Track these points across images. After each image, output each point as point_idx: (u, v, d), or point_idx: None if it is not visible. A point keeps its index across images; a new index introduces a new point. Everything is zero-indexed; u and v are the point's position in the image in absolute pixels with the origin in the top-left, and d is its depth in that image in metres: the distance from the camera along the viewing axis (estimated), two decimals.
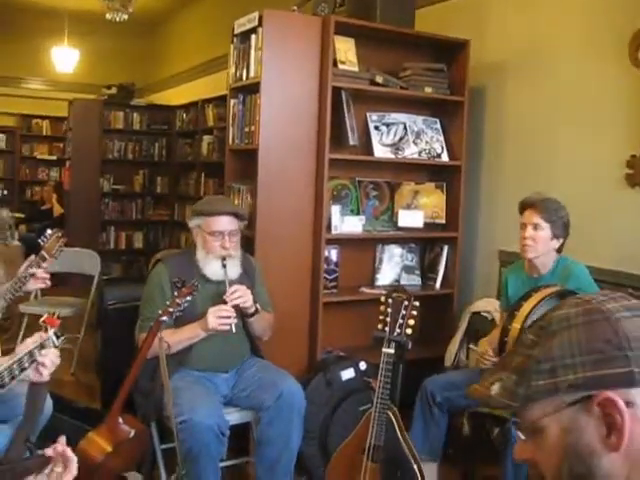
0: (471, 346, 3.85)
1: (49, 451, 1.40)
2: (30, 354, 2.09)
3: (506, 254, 4.29)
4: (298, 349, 4.05)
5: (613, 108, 3.75)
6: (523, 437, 1.04)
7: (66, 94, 9.51)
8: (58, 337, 2.19)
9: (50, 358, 2.13)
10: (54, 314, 2.22)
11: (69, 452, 1.43)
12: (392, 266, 4.54)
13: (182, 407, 2.99)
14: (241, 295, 3.18)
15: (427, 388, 3.42)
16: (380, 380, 2.70)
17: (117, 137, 8.81)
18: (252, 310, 3.29)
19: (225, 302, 3.14)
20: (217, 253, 3.25)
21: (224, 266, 3.23)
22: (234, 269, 3.30)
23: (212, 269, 3.27)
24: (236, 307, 3.17)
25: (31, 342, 2.14)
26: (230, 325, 3.12)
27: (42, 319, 2.20)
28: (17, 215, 9.20)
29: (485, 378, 1.08)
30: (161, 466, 3.33)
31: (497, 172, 4.56)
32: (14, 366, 2.08)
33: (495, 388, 1.05)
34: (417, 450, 3.12)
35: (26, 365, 2.10)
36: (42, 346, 2.12)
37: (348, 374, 3.81)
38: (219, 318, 3.09)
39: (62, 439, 1.43)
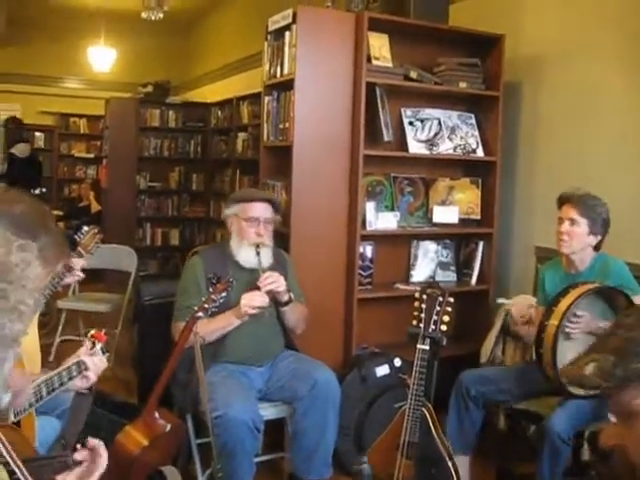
0: (502, 300, 3.74)
1: (78, 455, 1.42)
2: (78, 365, 2.21)
3: (543, 250, 4.25)
4: (333, 345, 4.05)
5: None
6: (614, 419, 1.02)
7: (103, 93, 9.62)
8: (104, 353, 2.28)
9: (94, 362, 2.25)
10: (102, 330, 2.32)
11: (101, 449, 1.45)
12: (427, 262, 4.52)
13: (217, 402, 3.02)
14: (274, 280, 3.22)
15: (462, 382, 3.41)
16: (415, 376, 2.69)
17: (153, 135, 8.88)
18: (285, 298, 3.33)
19: (259, 288, 3.17)
20: (252, 240, 3.32)
21: (258, 253, 3.28)
22: (267, 258, 3.36)
23: (246, 256, 3.33)
24: (269, 293, 3.20)
25: (76, 355, 2.27)
26: (263, 310, 3.17)
27: (90, 333, 2.30)
28: (56, 212, 9.33)
29: (579, 359, 1.07)
30: (197, 460, 3.37)
31: (533, 167, 4.52)
32: (63, 374, 2.19)
33: (590, 368, 1.04)
34: (452, 443, 3.11)
35: (74, 374, 2.21)
36: (85, 364, 2.25)
37: (383, 370, 3.81)
38: (252, 303, 3.14)
39: (91, 441, 1.45)
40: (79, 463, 1.40)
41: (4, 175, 8.22)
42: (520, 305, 3.24)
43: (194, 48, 10.74)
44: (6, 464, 1.10)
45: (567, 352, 3.06)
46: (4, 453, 1.11)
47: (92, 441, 1.46)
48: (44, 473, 1.26)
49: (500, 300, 3.77)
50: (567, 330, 3.03)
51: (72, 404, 2.38)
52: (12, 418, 1.27)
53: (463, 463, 3.39)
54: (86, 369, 2.22)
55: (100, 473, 1.43)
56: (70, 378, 2.20)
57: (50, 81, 10.74)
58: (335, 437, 3.37)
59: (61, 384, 2.17)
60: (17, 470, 1.11)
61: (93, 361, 2.26)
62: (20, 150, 7.61)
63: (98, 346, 2.27)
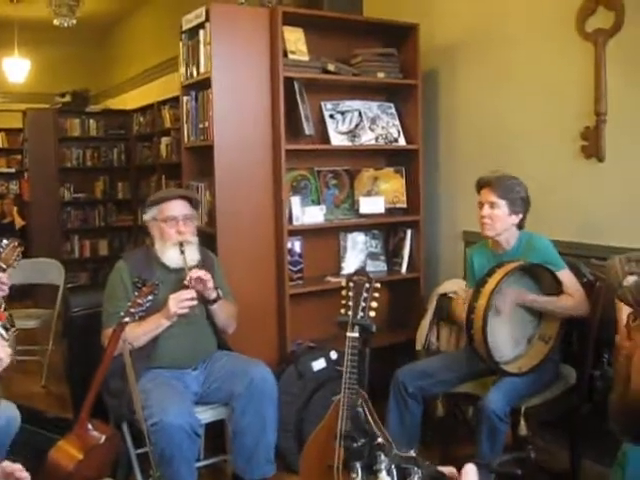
0: (434, 341, 3.81)
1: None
2: None
3: (470, 234, 4.31)
4: (268, 342, 4.03)
5: (564, 82, 3.77)
6: (636, 327, 1.03)
7: (20, 105, 9.38)
8: (7, 329, 2.12)
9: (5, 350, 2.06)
10: (0, 307, 2.14)
11: (20, 472, 1.39)
12: (357, 253, 4.54)
13: (152, 409, 2.97)
14: (201, 277, 3.18)
15: (399, 379, 3.40)
16: (346, 364, 2.70)
17: (75, 145, 8.72)
18: (214, 295, 3.31)
19: (186, 287, 3.14)
20: (174, 239, 3.29)
21: (182, 252, 3.25)
22: (193, 254, 3.33)
23: (170, 256, 3.30)
24: (197, 291, 3.17)
25: None
26: (192, 308, 3.14)
27: None
28: None
29: (627, 260, 1.08)
30: (137, 470, 3.31)
31: (455, 153, 4.58)
32: None
33: (630, 279, 1.05)
34: (394, 441, 3.12)
35: None
36: None
37: (319, 364, 3.81)
38: (180, 302, 3.10)
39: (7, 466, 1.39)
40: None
41: None
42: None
43: (111, 55, 10.57)
44: None
45: (497, 330, 3.11)
46: None
47: (9, 466, 1.40)
48: None
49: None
50: (496, 302, 3.07)
51: None
52: None
53: None
54: None
55: None
56: None
57: None
58: (275, 434, 3.35)
59: None
60: None
61: None
62: None
63: None
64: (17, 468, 1.39)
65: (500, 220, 3.28)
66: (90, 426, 2.75)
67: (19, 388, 4.96)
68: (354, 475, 1.06)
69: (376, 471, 1.05)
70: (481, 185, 3.37)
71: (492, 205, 3.27)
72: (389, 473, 1.05)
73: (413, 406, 3.38)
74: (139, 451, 3.31)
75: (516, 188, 3.29)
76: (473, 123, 4.41)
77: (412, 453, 1.13)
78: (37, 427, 3.25)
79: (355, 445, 1.05)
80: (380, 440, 1.06)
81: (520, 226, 3.36)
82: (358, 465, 1.06)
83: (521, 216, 3.32)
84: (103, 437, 2.76)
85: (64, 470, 2.60)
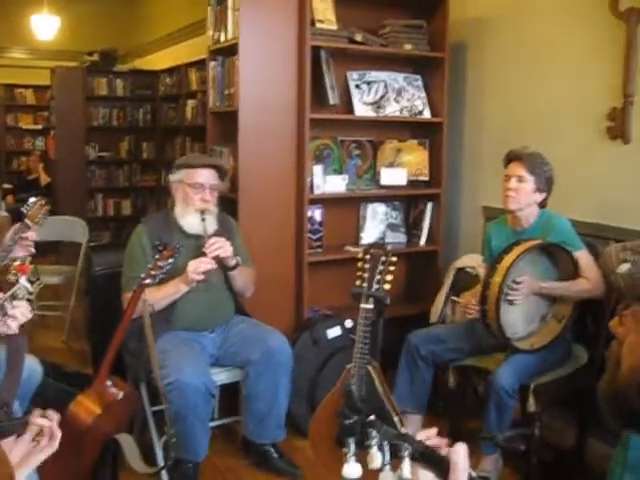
0: (454, 297, 3.87)
1: (36, 419, 1.40)
2: (1, 307, 2.02)
3: (490, 210, 4.31)
4: (284, 309, 4.09)
5: (593, 61, 3.74)
6: (628, 314, 1.07)
7: (48, 62, 9.41)
8: (32, 283, 2.13)
9: (21, 311, 2.06)
10: (24, 261, 2.15)
11: (55, 428, 1.44)
12: (376, 224, 4.56)
13: (169, 368, 3.04)
14: (220, 246, 3.24)
15: (411, 341, 3.47)
16: (359, 335, 2.74)
17: (101, 104, 8.75)
18: (232, 263, 3.35)
19: (205, 254, 3.19)
20: (197, 206, 3.32)
21: (203, 220, 3.28)
22: (212, 223, 3.36)
23: (190, 223, 3.34)
24: (216, 258, 3.21)
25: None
26: (210, 275, 3.18)
27: (12, 266, 2.13)
28: (5, 186, 9.18)
29: (620, 249, 1.11)
30: (152, 427, 3.39)
31: (480, 128, 4.57)
32: None
33: (623, 267, 1.09)
34: (402, 402, 3.18)
35: None
36: (14, 296, 2.05)
37: (334, 332, 3.86)
38: (199, 269, 3.15)
39: (51, 414, 1.43)
40: (25, 428, 1.40)
41: None
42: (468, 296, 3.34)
43: (141, 14, 10.54)
44: None
45: (510, 307, 3.14)
46: None
47: (51, 416, 1.45)
48: None
49: (453, 298, 3.87)
50: (509, 298, 3.10)
51: (6, 353, 2.21)
52: None
53: (415, 422, 3.47)
54: (6, 315, 2.04)
55: (51, 452, 1.43)
56: None
57: None
58: (287, 401, 3.43)
59: None
60: None
61: (20, 310, 2.07)
62: None
63: (22, 279, 2.10)
64: (48, 423, 1.44)
65: (525, 195, 3.30)
66: (109, 382, 2.81)
67: (41, 342, 5.07)
68: (346, 450, 1.10)
69: (367, 447, 1.09)
70: (511, 158, 3.38)
71: (520, 179, 3.29)
72: (380, 449, 1.09)
73: (424, 369, 3.44)
74: (155, 409, 3.40)
75: (544, 167, 3.31)
76: (499, 99, 4.39)
77: (402, 430, 1.17)
78: (58, 380, 3.33)
79: (347, 422, 1.10)
80: (372, 417, 1.10)
81: (542, 205, 3.37)
82: (351, 440, 1.10)
83: (545, 195, 3.34)
84: (121, 394, 2.82)
85: (83, 423, 2.67)
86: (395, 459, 1.08)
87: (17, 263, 2.12)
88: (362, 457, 1.10)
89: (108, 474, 2.83)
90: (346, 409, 1.09)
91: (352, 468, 1.10)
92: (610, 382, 1.15)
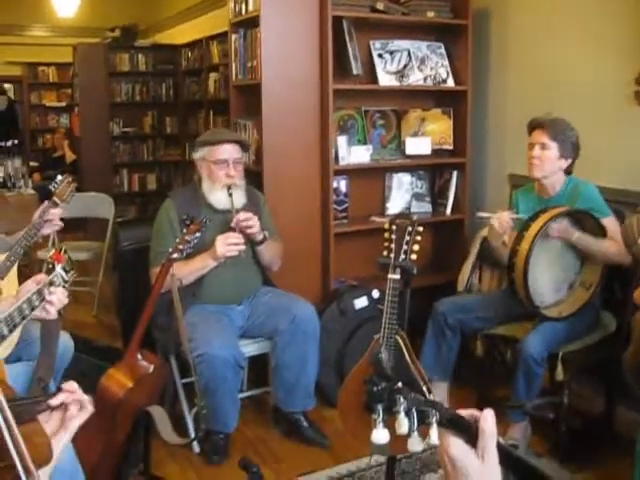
0: (480, 214, 3.72)
1: (55, 401, 1.42)
2: (39, 292, 2.07)
3: (516, 177, 4.28)
4: (311, 280, 4.11)
5: (621, 24, 3.66)
6: None
7: (70, 39, 9.41)
8: (67, 272, 2.18)
9: (58, 296, 2.12)
10: (61, 250, 2.20)
11: (80, 394, 1.46)
12: (402, 194, 4.55)
13: (198, 341, 3.08)
14: (248, 221, 3.24)
15: (439, 309, 3.48)
16: (387, 305, 2.75)
17: (124, 80, 8.75)
18: (260, 237, 3.36)
19: (233, 230, 3.20)
20: (223, 182, 3.32)
21: (230, 194, 3.29)
22: (240, 198, 3.37)
23: (218, 198, 3.34)
24: (244, 233, 3.23)
25: (30, 282, 2.14)
26: (239, 251, 3.18)
27: (48, 255, 2.20)
28: (32, 164, 9.25)
29: (638, 218, 1.11)
30: (183, 399, 3.45)
31: (505, 95, 4.51)
32: (24, 305, 2.04)
33: None
34: (428, 370, 3.19)
35: (36, 304, 2.07)
36: (51, 283, 2.10)
37: (361, 303, 3.87)
38: (227, 245, 3.16)
39: (70, 384, 1.46)
40: (59, 406, 1.42)
41: None
42: (502, 217, 3.26)
43: None
44: None
45: (538, 275, 3.13)
46: None
47: (70, 385, 1.47)
48: (24, 414, 1.28)
49: (479, 214, 3.72)
50: (548, 231, 3.08)
51: (41, 333, 2.28)
52: None
53: (441, 389, 3.48)
54: (48, 302, 2.09)
55: (85, 417, 1.45)
56: (32, 309, 2.05)
57: (14, 30, 10.48)
58: (316, 369, 3.46)
59: (23, 317, 2.03)
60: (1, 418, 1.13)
61: (57, 296, 2.12)
62: None
63: (58, 267, 2.14)
64: (78, 391, 1.46)
65: (549, 162, 3.27)
66: (139, 356, 2.85)
67: (72, 317, 5.14)
68: (375, 416, 1.11)
69: (395, 413, 1.10)
70: (533, 126, 3.35)
71: (543, 146, 3.26)
72: (408, 415, 1.10)
73: (451, 337, 3.45)
74: (185, 381, 3.45)
75: (568, 132, 3.27)
76: (524, 65, 4.33)
77: (430, 397, 1.17)
78: (89, 355, 3.39)
79: (375, 389, 1.11)
80: (399, 384, 1.11)
81: (568, 171, 3.34)
82: (380, 407, 1.11)
83: (570, 161, 3.31)
84: (152, 367, 2.86)
85: (115, 397, 2.71)
86: (423, 425, 1.09)
87: (53, 252, 2.18)
88: (390, 423, 1.11)
89: (141, 446, 2.87)
90: (374, 376, 1.10)
91: (380, 434, 1.11)
92: (634, 353, 1.15)
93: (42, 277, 2.14)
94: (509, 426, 3.24)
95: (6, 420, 1.13)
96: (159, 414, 2.92)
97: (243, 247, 3.20)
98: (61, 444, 1.36)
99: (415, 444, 1.10)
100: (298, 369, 3.35)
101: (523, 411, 3.12)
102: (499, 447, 1.10)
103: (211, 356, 3.03)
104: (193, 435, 3.36)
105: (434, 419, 1.09)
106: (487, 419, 1.10)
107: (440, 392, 3.43)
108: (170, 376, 3.34)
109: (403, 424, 1.08)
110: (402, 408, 1.08)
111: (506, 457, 1.12)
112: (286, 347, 3.33)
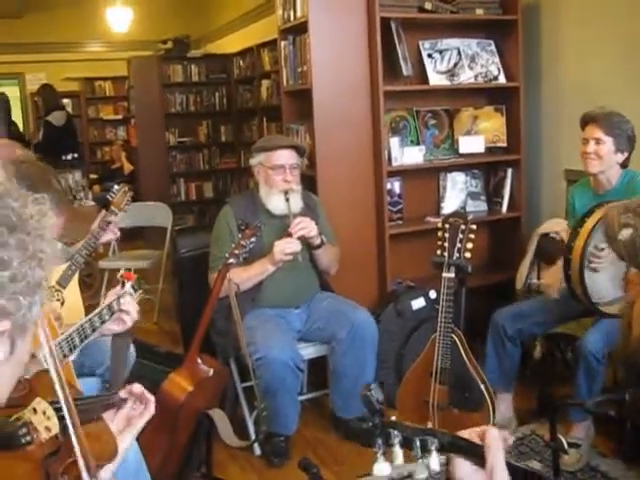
0: (535, 281, 3.75)
1: (122, 393, 1.48)
2: (109, 307, 2.15)
3: (572, 173, 4.21)
4: (368, 282, 4.11)
5: None
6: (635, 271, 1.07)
7: (124, 53, 9.62)
8: (136, 290, 2.26)
9: (132, 306, 2.20)
10: (130, 269, 2.29)
11: (147, 393, 1.52)
12: (457, 193, 4.53)
13: (257, 345, 3.11)
14: (305, 226, 3.27)
15: (497, 321, 3.43)
16: (442, 304, 2.74)
17: (178, 90, 8.89)
18: (317, 242, 3.38)
19: (290, 235, 3.23)
20: (280, 187, 3.35)
21: (287, 200, 3.32)
22: (297, 202, 3.39)
23: (275, 204, 3.37)
24: (301, 238, 3.25)
25: (112, 294, 2.21)
26: (296, 255, 3.21)
27: (119, 274, 2.29)
28: (91, 176, 9.46)
29: (621, 211, 1.10)
30: (243, 403, 3.49)
31: (558, 90, 4.45)
32: (95, 318, 2.13)
33: (624, 234, 1.07)
34: (492, 382, 3.16)
35: (106, 318, 2.15)
36: (120, 298, 2.17)
37: (418, 303, 3.87)
38: (285, 250, 3.19)
39: (136, 386, 1.51)
40: (124, 401, 1.48)
41: (40, 143, 8.30)
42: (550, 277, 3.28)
43: (210, 0, 10.65)
44: (55, 402, 1.17)
45: (596, 272, 3.07)
46: (60, 395, 1.17)
47: (137, 387, 1.52)
48: (91, 412, 1.33)
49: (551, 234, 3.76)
50: (592, 266, 3.03)
51: (112, 347, 2.37)
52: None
53: (506, 400, 3.45)
54: (121, 311, 2.17)
55: (148, 416, 1.50)
56: (102, 322, 2.15)
57: (72, 47, 10.74)
58: (373, 376, 3.45)
59: (93, 330, 2.12)
60: (67, 414, 1.17)
61: (132, 305, 2.21)
62: (56, 118, 7.68)
63: (128, 285, 2.22)
64: (144, 391, 1.52)
65: (605, 157, 3.22)
66: (200, 360, 2.89)
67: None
68: (375, 449, 1.14)
69: (390, 445, 1.12)
70: (586, 121, 3.30)
71: (597, 141, 3.21)
72: (404, 445, 1.12)
73: (511, 349, 3.40)
74: (245, 385, 3.49)
75: (623, 125, 3.21)
76: (577, 58, 4.27)
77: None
78: (150, 361, 3.45)
79: (365, 426, 1.14)
80: (392, 418, 1.14)
81: (624, 165, 3.28)
82: (379, 441, 1.13)
83: (626, 154, 3.25)
84: (212, 371, 2.90)
85: (176, 400, 2.77)
86: (426, 453, 1.11)
87: (124, 270, 2.28)
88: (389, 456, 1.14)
89: (203, 449, 2.92)
90: (367, 413, 1.14)
91: (382, 466, 1.14)
92: (623, 347, 1.13)
93: (118, 290, 2.22)
94: (571, 426, 3.19)
95: (73, 419, 1.18)
96: (220, 417, 2.96)
97: (299, 248, 3.23)
98: (125, 442, 1.42)
99: (420, 472, 1.12)
100: (355, 376, 3.36)
101: (584, 409, 3.07)
102: (509, 465, 1.10)
103: (270, 359, 3.07)
104: (254, 437, 3.40)
105: (433, 446, 1.11)
106: (490, 434, 1.10)
107: (505, 403, 3.41)
108: (230, 380, 3.39)
109: (398, 456, 1.11)
110: (397, 441, 1.10)
111: (519, 474, 1.12)
112: (344, 355, 3.34)
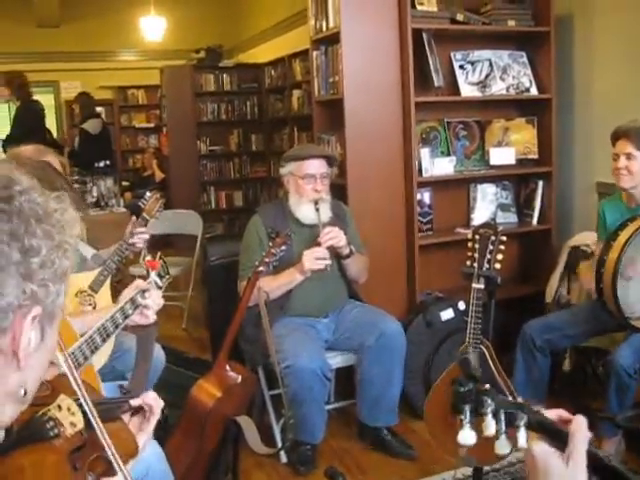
0: (564, 294, 3.74)
1: (135, 402, 1.50)
2: (132, 301, 2.09)
3: (604, 185, 4.18)
4: (397, 292, 4.11)
5: None
6: None
7: (157, 62, 9.72)
8: (161, 277, 2.22)
9: (153, 299, 2.14)
10: (155, 256, 2.25)
11: (153, 400, 1.54)
12: (487, 205, 4.51)
13: (286, 353, 3.13)
14: (334, 236, 3.28)
15: (527, 332, 3.41)
16: (471, 315, 2.74)
17: (209, 99, 8.97)
18: (346, 251, 3.39)
19: (319, 244, 3.24)
20: (310, 196, 3.36)
21: (317, 209, 3.33)
22: (326, 212, 3.40)
23: (305, 213, 3.38)
24: (330, 248, 3.26)
25: (133, 287, 2.14)
26: (325, 265, 3.21)
27: (143, 262, 2.25)
28: (123, 183, 9.55)
29: None
30: (270, 410, 3.50)
31: (591, 102, 4.43)
32: (117, 315, 2.06)
33: None
34: (521, 394, 3.13)
35: (129, 312, 2.08)
36: (144, 291, 2.11)
37: (447, 314, 3.85)
38: (314, 259, 3.20)
39: (150, 393, 1.54)
40: (140, 408, 1.50)
41: (74, 150, 8.40)
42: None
43: (242, 10, 10.73)
44: (81, 404, 1.21)
45: (628, 285, 3.05)
46: (79, 393, 1.21)
47: (150, 396, 1.54)
48: (109, 413, 1.37)
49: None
50: (630, 274, 3.00)
51: (137, 340, 2.32)
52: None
53: None
54: (145, 306, 2.11)
55: (155, 420, 1.52)
56: (126, 317, 2.07)
57: (106, 56, 10.89)
58: (401, 385, 3.46)
59: (116, 327, 2.04)
60: (88, 410, 1.21)
61: (153, 299, 2.14)
62: (92, 126, 7.78)
63: (153, 274, 2.18)
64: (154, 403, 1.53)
65: (636, 173, 3.18)
66: (228, 367, 2.91)
67: (163, 331, 5.23)
68: (462, 417, 1.12)
69: (482, 414, 1.10)
70: (618, 136, 3.26)
71: (629, 157, 3.18)
72: (495, 416, 1.09)
73: (541, 360, 3.38)
74: (272, 392, 3.50)
75: None
76: (611, 71, 4.24)
77: (520, 399, 1.16)
78: (179, 367, 3.48)
79: (462, 389, 1.11)
80: (487, 386, 1.11)
81: None
82: (467, 408, 1.11)
83: None
84: (240, 378, 2.92)
85: (204, 406, 2.78)
86: (511, 428, 1.09)
87: (148, 259, 2.24)
88: (477, 426, 1.11)
89: (230, 455, 2.93)
90: (462, 377, 1.11)
91: (467, 434, 1.11)
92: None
93: (140, 283, 2.16)
94: (602, 441, 3.16)
95: (96, 418, 1.21)
96: (247, 424, 2.98)
97: (329, 261, 3.24)
98: (142, 443, 1.45)
99: (503, 447, 1.10)
100: (383, 385, 3.36)
101: (614, 423, 3.04)
102: (590, 454, 1.07)
103: (298, 367, 3.08)
104: (280, 445, 3.41)
105: (522, 422, 1.08)
106: (578, 423, 1.08)
107: None
108: (258, 387, 3.40)
109: (490, 426, 1.08)
110: (489, 410, 1.08)
111: (598, 465, 1.08)
112: (372, 363, 3.34)
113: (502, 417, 1.09)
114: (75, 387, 1.21)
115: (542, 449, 1.07)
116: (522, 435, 1.08)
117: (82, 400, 1.20)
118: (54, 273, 0.95)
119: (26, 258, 0.91)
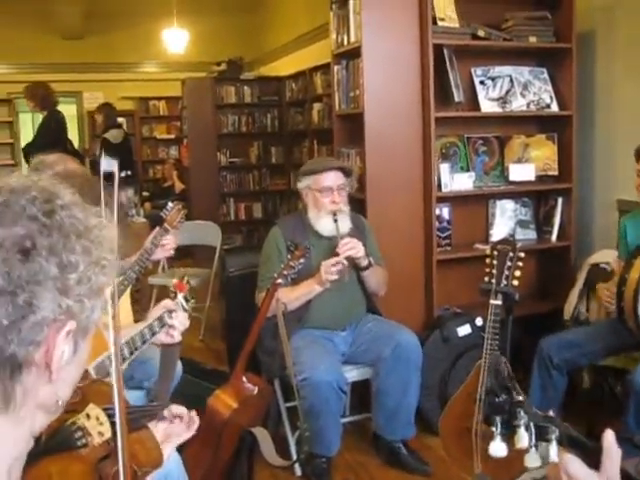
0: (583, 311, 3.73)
1: (166, 413, 1.52)
2: (160, 319, 2.18)
3: (625, 203, 4.16)
4: (414, 307, 4.11)
5: None
6: None
7: (179, 74, 9.79)
8: (187, 301, 2.27)
9: (180, 320, 2.21)
10: (183, 279, 2.31)
11: (193, 416, 1.55)
12: (506, 221, 4.50)
13: (303, 365, 3.14)
14: (353, 246, 3.29)
15: (544, 349, 3.38)
16: (488, 331, 2.73)
17: (230, 111, 9.03)
18: (365, 263, 3.40)
19: (337, 255, 3.25)
20: (328, 209, 3.38)
21: (335, 221, 3.34)
22: (345, 223, 3.41)
23: (324, 225, 3.40)
24: (349, 259, 3.27)
25: (161, 307, 2.24)
26: (343, 276, 3.22)
27: (172, 284, 2.31)
28: (143, 194, 9.62)
29: None
30: (286, 422, 3.51)
31: (612, 119, 4.41)
32: (145, 330, 2.17)
33: None
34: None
35: (157, 329, 2.18)
36: (171, 311, 2.20)
37: (465, 330, 3.84)
38: (332, 270, 3.21)
39: (179, 407, 1.55)
40: (165, 418, 1.51)
41: (96, 160, 8.47)
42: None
43: (265, 22, 10.81)
44: (107, 409, 1.22)
45: None
46: (117, 408, 1.22)
47: (177, 408, 1.56)
48: (136, 421, 1.38)
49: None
50: None
51: (161, 356, 2.40)
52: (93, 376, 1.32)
53: None
54: (171, 326, 2.20)
55: (187, 437, 1.53)
56: (153, 334, 2.18)
57: (128, 67, 11.01)
58: (417, 398, 3.46)
59: (144, 342, 2.17)
60: (117, 416, 1.22)
61: (179, 320, 2.22)
62: (113, 136, 7.85)
63: (180, 296, 2.25)
64: (185, 411, 1.55)
65: None
66: (245, 378, 2.92)
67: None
68: (494, 428, 1.11)
69: (515, 426, 1.09)
70: None
71: None
72: (527, 429, 1.09)
73: (557, 378, 3.35)
74: (288, 404, 3.51)
75: None
76: (633, 88, 4.23)
77: (551, 413, 1.16)
78: (196, 377, 3.49)
79: (496, 400, 1.11)
80: (521, 398, 1.11)
81: None
82: (498, 419, 1.11)
83: None
84: (256, 389, 2.93)
85: (221, 417, 2.79)
86: (541, 441, 1.08)
87: (176, 281, 2.30)
88: (508, 438, 1.11)
89: (245, 466, 2.94)
90: (496, 387, 1.11)
91: (498, 446, 1.11)
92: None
93: (168, 302, 2.24)
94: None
95: (122, 427, 1.22)
96: (263, 436, 2.99)
97: (346, 263, 3.24)
98: (166, 453, 1.45)
99: (533, 460, 1.10)
100: (399, 396, 3.36)
101: (633, 444, 3.01)
102: (623, 473, 1.06)
103: (315, 380, 3.08)
104: (295, 457, 3.41)
105: (554, 436, 1.08)
106: (609, 439, 1.07)
107: None
108: (274, 399, 3.41)
109: (522, 438, 1.08)
110: (522, 422, 1.07)
111: None
112: (388, 374, 3.34)
113: (533, 430, 1.08)
114: (116, 395, 1.21)
115: (581, 471, 1.05)
116: (553, 449, 1.07)
117: (117, 409, 1.20)
118: (90, 289, 0.96)
119: (64, 274, 0.92)
